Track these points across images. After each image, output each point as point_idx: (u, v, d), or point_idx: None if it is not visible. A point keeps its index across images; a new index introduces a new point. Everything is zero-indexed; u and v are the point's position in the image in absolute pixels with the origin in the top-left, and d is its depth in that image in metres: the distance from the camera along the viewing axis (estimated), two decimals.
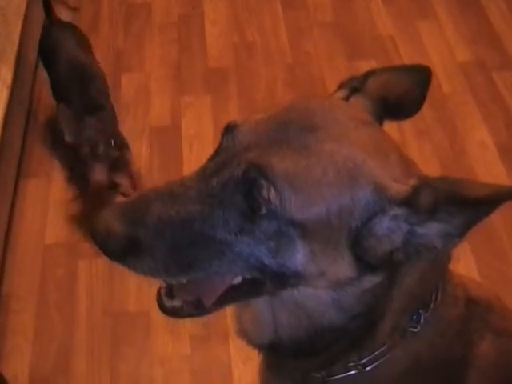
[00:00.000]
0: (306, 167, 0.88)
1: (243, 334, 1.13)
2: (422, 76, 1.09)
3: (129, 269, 0.94)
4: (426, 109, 1.10)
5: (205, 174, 0.93)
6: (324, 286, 0.94)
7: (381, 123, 1.03)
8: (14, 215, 2.54)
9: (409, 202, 0.87)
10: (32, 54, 3.02)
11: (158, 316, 2.28)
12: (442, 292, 1.07)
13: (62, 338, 2.23)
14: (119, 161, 2.35)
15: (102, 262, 2.39)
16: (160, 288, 1.05)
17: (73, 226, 2.51)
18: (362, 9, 3.37)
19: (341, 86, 1.08)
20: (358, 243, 0.90)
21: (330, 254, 0.90)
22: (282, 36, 3.24)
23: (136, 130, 2.81)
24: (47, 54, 2.60)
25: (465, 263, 2.34)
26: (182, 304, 1.04)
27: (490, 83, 2.99)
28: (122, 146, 2.40)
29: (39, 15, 3.17)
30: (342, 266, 0.91)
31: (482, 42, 3.18)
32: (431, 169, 2.51)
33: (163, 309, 1.05)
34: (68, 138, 2.24)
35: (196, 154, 2.73)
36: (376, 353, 1.05)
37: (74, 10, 2.67)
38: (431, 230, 0.87)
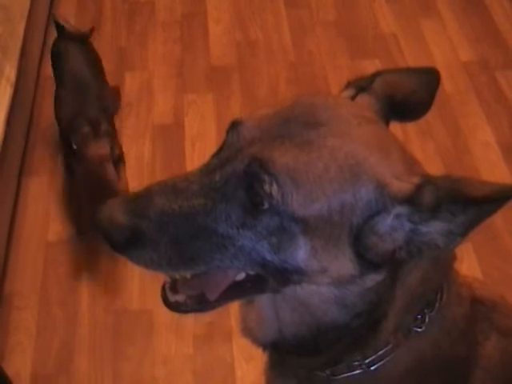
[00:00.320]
0: (308, 163, 0.88)
1: (247, 332, 1.13)
2: (430, 78, 1.09)
3: (131, 261, 0.94)
4: None
5: (208, 168, 0.94)
6: (326, 282, 0.94)
7: (387, 123, 1.03)
8: (17, 213, 2.54)
9: (411, 200, 0.87)
10: (36, 52, 3.02)
11: (161, 315, 2.30)
12: (447, 291, 1.07)
13: (64, 335, 2.23)
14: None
15: (105, 259, 2.39)
16: (164, 283, 1.06)
17: (74, 223, 2.51)
18: (364, 7, 3.37)
19: (347, 86, 1.08)
20: (359, 241, 0.90)
21: (331, 250, 0.90)
22: (284, 34, 3.24)
23: (139, 128, 2.82)
24: (55, 65, 2.60)
25: (468, 263, 2.34)
26: (186, 299, 1.05)
27: (493, 82, 2.99)
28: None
29: (43, 13, 3.18)
30: (344, 264, 0.91)
31: (486, 42, 3.17)
32: (434, 168, 2.50)
33: (167, 303, 1.06)
34: (62, 124, 2.26)
35: (199, 152, 2.73)
36: (380, 352, 1.04)
37: (91, 31, 2.65)
38: (434, 229, 0.87)
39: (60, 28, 2.60)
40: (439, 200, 0.85)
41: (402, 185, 0.88)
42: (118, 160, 2.37)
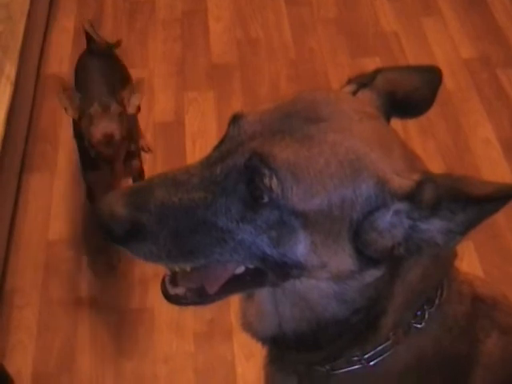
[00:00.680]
0: (309, 158, 0.88)
1: (247, 327, 1.13)
2: (432, 76, 1.09)
3: (131, 253, 0.95)
4: None
5: (209, 162, 0.94)
6: (326, 277, 0.94)
7: (388, 120, 1.03)
8: (18, 211, 2.54)
9: (411, 197, 0.87)
10: (36, 50, 3.02)
11: (162, 313, 2.30)
12: (448, 289, 1.07)
13: (65, 333, 2.23)
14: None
15: (106, 257, 2.39)
16: (164, 276, 1.06)
17: (76, 221, 2.51)
18: (365, 5, 3.37)
19: (349, 82, 1.08)
20: (359, 236, 0.90)
21: (331, 245, 0.90)
22: (285, 32, 3.24)
23: (140, 125, 2.81)
24: (78, 77, 2.47)
25: (468, 261, 2.34)
26: (186, 292, 1.05)
27: (494, 80, 2.98)
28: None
29: (43, 11, 3.18)
30: (343, 259, 0.91)
31: (487, 39, 3.17)
32: (435, 166, 2.51)
33: (167, 296, 1.06)
34: (71, 114, 2.13)
35: (199, 149, 2.73)
36: (379, 348, 1.05)
37: (118, 44, 2.56)
38: (433, 227, 0.87)
39: (90, 40, 2.49)
40: (439, 198, 0.85)
41: (403, 181, 0.88)
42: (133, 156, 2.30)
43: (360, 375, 1.08)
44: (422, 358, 1.08)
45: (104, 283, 2.35)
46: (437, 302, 1.05)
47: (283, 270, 0.94)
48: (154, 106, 2.92)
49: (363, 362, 1.06)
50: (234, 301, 1.17)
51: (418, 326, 1.04)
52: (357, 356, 1.06)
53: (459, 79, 2.98)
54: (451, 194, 0.84)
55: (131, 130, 2.23)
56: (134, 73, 2.85)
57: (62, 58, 3.07)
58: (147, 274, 2.31)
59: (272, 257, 0.92)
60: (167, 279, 1.05)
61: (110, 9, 3.37)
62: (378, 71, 1.07)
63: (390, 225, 0.89)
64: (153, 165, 2.68)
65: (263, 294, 1.06)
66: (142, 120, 2.77)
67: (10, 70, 2.60)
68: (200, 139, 2.78)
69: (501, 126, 2.81)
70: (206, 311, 2.18)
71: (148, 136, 2.78)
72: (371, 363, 1.05)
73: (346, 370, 1.08)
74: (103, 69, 2.40)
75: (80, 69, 2.47)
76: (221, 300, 1.04)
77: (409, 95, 1.05)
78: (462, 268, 1.14)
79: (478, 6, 3.33)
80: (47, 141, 2.76)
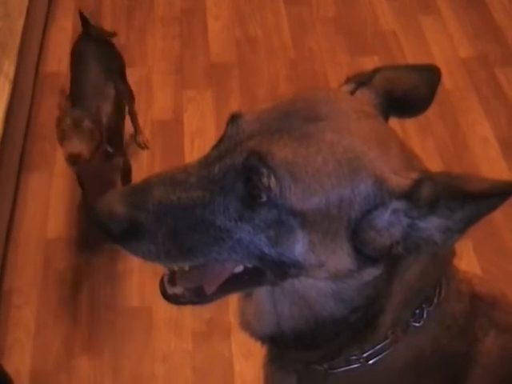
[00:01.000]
0: (307, 157, 0.88)
1: (246, 326, 1.13)
2: (430, 75, 1.09)
3: (129, 252, 0.94)
4: None
5: (207, 161, 0.94)
6: (324, 276, 0.94)
7: (386, 119, 1.03)
8: (16, 209, 2.54)
9: (409, 195, 0.87)
10: (34, 48, 3.02)
11: (160, 312, 2.30)
12: (446, 287, 1.07)
13: (63, 332, 2.23)
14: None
15: (105, 256, 2.39)
16: (163, 275, 1.06)
17: (75, 219, 2.51)
18: (364, 4, 3.37)
19: (348, 81, 1.08)
20: (357, 235, 0.90)
21: (329, 244, 0.90)
22: (284, 31, 3.24)
23: (139, 122, 2.81)
24: (74, 62, 2.50)
25: (467, 259, 2.34)
26: (184, 291, 1.05)
27: (492, 79, 2.99)
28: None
29: (42, 9, 3.17)
30: (341, 258, 0.91)
31: (485, 38, 3.17)
32: (433, 164, 2.51)
33: (165, 295, 1.06)
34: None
35: (198, 148, 2.73)
36: (378, 346, 1.05)
37: (113, 35, 2.60)
38: (431, 225, 0.87)
39: (86, 23, 2.50)
40: (437, 196, 0.85)
41: (401, 180, 0.88)
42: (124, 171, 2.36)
43: (358, 374, 1.08)
44: (421, 356, 1.08)
45: (102, 282, 2.35)
46: (435, 300, 1.05)
47: (281, 269, 0.94)
48: (152, 104, 2.92)
49: (362, 360, 1.06)
50: (233, 300, 1.17)
51: (417, 324, 1.04)
52: (355, 355, 1.06)
53: (457, 78, 2.99)
54: (449, 192, 0.84)
55: (112, 131, 2.23)
56: (133, 71, 2.85)
57: (61, 56, 3.06)
58: (145, 273, 2.31)
59: (270, 256, 0.92)
60: (166, 278, 1.05)
61: (109, 6, 3.36)
62: (376, 70, 1.07)
63: (389, 223, 0.89)
64: (151, 163, 2.68)
65: (262, 292, 1.06)
66: (140, 118, 2.78)
67: (9, 68, 2.60)
68: (198, 138, 2.78)
69: (499, 125, 2.82)
70: (205, 310, 2.19)
71: (146, 134, 2.78)
72: (370, 362, 1.06)
73: (344, 368, 1.08)
74: (98, 53, 2.41)
75: (76, 53, 2.49)
76: (219, 299, 1.04)
77: (407, 94, 1.05)
78: (460, 266, 1.14)
79: (476, 5, 3.33)
80: (46, 139, 2.75)
